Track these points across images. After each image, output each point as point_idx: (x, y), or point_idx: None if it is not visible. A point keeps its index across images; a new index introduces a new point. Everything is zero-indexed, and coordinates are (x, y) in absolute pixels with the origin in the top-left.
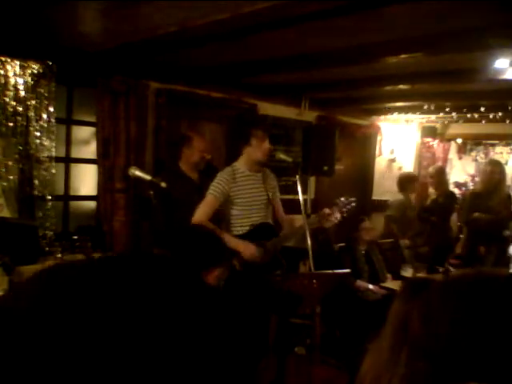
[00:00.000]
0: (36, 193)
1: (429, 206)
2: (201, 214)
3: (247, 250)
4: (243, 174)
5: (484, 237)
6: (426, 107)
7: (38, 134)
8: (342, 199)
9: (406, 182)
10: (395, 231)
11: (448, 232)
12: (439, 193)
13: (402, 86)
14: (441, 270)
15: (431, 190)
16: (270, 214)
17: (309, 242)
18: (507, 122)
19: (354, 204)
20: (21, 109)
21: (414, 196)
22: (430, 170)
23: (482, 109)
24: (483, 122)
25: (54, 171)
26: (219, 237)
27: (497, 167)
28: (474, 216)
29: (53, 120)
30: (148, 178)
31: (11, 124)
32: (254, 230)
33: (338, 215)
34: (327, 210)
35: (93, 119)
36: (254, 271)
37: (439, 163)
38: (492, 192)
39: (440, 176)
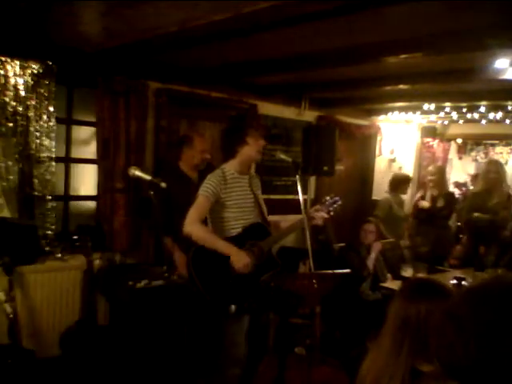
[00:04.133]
0: (36, 193)
1: (428, 209)
2: (194, 216)
3: (240, 259)
4: (233, 176)
5: (484, 237)
6: (425, 107)
7: (37, 134)
8: (328, 198)
9: (399, 183)
10: (382, 231)
11: (447, 232)
12: (438, 194)
13: (402, 86)
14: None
15: (431, 190)
16: (258, 215)
17: (309, 242)
18: (507, 122)
19: (339, 202)
20: (21, 109)
21: (406, 196)
22: (430, 168)
23: (482, 109)
24: (483, 122)
25: (54, 171)
26: (214, 242)
27: (493, 166)
28: (473, 216)
29: (53, 120)
30: (148, 178)
31: (11, 124)
32: (247, 231)
33: (323, 213)
34: (318, 207)
35: (93, 119)
36: (251, 271)
37: (439, 163)
38: (491, 192)
39: (440, 175)
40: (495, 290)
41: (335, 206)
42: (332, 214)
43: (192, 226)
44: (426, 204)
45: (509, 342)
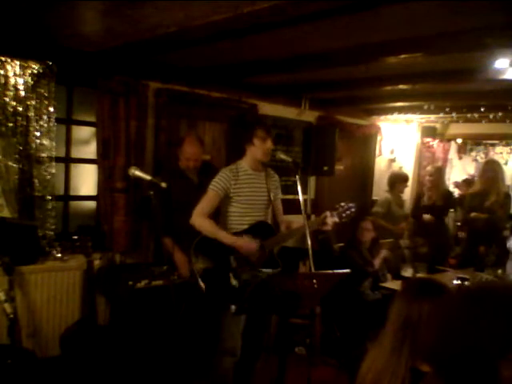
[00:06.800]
0: (36, 193)
1: (426, 205)
2: (200, 208)
3: (245, 245)
4: (246, 172)
5: (484, 236)
6: (426, 107)
7: (37, 133)
8: (343, 204)
9: (395, 182)
10: (384, 225)
11: (446, 232)
12: (436, 194)
13: (402, 86)
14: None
15: (428, 190)
16: (269, 215)
17: (309, 241)
18: (507, 121)
19: (353, 209)
20: (21, 109)
21: (403, 195)
22: (429, 168)
23: (482, 109)
24: (483, 122)
25: (53, 171)
26: (216, 233)
27: (490, 166)
28: (471, 216)
29: (53, 120)
30: (148, 178)
31: (11, 124)
32: (252, 228)
33: (335, 219)
34: (328, 214)
35: (93, 119)
36: (251, 270)
37: (439, 163)
38: (489, 191)
39: (438, 176)
40: (488, 293)
41: (348, 212)
42: (344, 220)
43: (197, 218)
44: (429, 217)
45: (495, 343)
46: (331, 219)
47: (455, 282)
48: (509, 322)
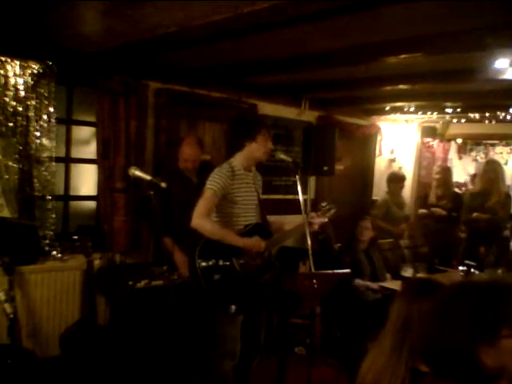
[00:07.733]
0: (36, 193)
1: (434, 205)
2: (202, 210)
3: (254, 246)
4: (239, 171)
5: (484, 237)
6: (426, 107)
7: (37, 133)
8: (324, 204)
9: (390, 181)
10: (382, 226)
11: (454, 232)
12: (443, 193)
13: (401, 86)
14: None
15: (435, 190)
16: (258, 215)
17: (309, 241)
18: (507, 121)
19: (333, 210)
20: (21, 109)
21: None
22: (436, 168)
23: (482, 109)
24: (483, 122)
25: (53, 171)
26: (222, 234)
27: (490, 165)
28: (472, 216)
29: (53, 120)
30: (148, 178)
31: (11, 124)
32: (249, 230)
33: (321, 220)
34: (314, 214)
35: (93, 119)
36: (251, 272)
37: (439, 163)
38: (490, 191)
39: (445, 175)
40: (482, 286)
41: (329, 213)
42: (327, 220)
43: (200, 220)
44: (441, 211)
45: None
46: (318, 220)
47: (461, 267)
48: (475, 311)
